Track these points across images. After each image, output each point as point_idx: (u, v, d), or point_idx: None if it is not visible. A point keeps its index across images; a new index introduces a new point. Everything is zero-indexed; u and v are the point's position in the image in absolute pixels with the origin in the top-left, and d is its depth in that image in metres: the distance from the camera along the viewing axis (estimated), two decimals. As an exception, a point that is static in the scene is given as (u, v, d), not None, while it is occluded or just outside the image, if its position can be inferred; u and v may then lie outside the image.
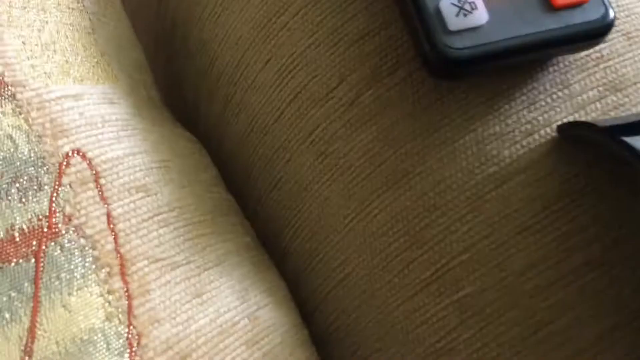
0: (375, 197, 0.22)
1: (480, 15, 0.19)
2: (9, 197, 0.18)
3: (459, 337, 0.20)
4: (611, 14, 0.20)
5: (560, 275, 0.19)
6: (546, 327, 0.19)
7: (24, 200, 0.18)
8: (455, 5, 0.19)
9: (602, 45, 0.21)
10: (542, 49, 0.20)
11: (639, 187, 0.18)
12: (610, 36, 0.22)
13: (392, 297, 0.21)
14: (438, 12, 0.19)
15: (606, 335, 0.19)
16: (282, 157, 0.24)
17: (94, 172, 0.20)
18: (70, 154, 0.20)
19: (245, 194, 0.26)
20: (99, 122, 0.21)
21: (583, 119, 0.21)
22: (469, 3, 0.19)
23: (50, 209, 0.19)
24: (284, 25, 0.24)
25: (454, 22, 0.19)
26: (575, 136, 0.20)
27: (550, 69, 0.21)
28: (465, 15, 0.19)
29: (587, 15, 0.20)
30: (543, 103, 0.21)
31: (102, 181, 0.20)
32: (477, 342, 0.20)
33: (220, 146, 0.27)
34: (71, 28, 0.24)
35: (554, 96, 0.21)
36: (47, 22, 0.23)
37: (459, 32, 0.19)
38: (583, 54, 0.21)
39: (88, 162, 0.20)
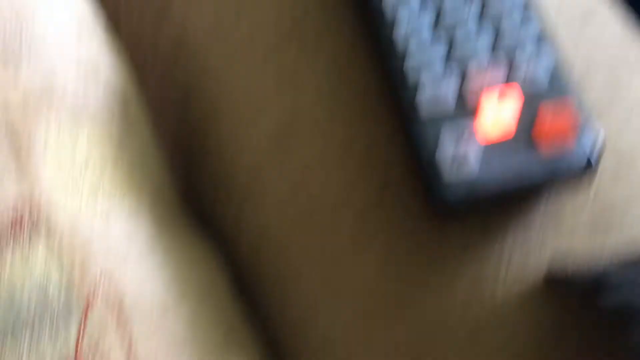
0: (379, 325, 0.23)
1: (473, 166, 0.20)
2: (40, 332, 0.20)
3: None
4: (594, 157, 0.21)
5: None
6: None
7: (52, 335, 0.20)
8: (450, 157, 0.21)
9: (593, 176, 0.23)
10: (532, 191, 0.21)
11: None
12: (600, 165, 0.23)
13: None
14: (434, 161, 0.21)
15: None
16: (292, 275, 0.25)
17: (119, 296, 0.22)
18: (97, 279, 0.22)
19: (256, 303, 0.27)
20: (123, 245, 0.23)
21: (576, 250, 0.22)
22: (463, 155, 0.21)
23: (77, 345, 0.21)
24: (297, 139, 0.25)
25: (449, 170, 0.20)
26: (558, 283, 0.21)
27: (545, 202, 0.22)
28: (459, 166, 0.20)
29: (572, 159, 0.21)
30: (536, 240, 0.22)
31: (127, 303, 0.22)
32: None
33: (234, 247, 0.28)
34: (102, 141, 0.26)
35: (546, 232, 0.22)
36: (78, 136, 0.25)
37: (454, 179, 0.20)
38: (576, 184, 0.22)
39: (114, 286, 0.22)
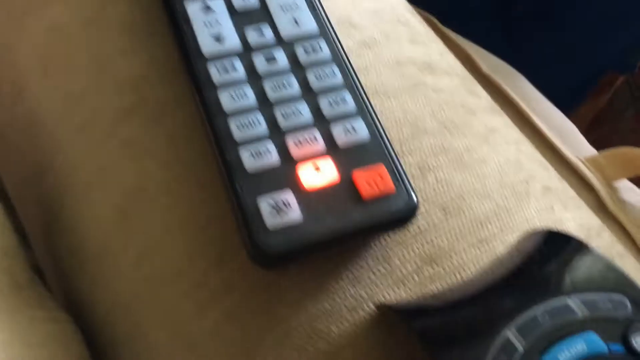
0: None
1: (295, 213, 0.21)
2: None
3: None
4: (415, 200, 0.22)
5: None
6: None
7: None
8: (271, 204, 0.22)
9: (419, 219, 0.24)
10: (353, 238, 0.22)
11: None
12: (427, 209, 0.25)
13: None
14: (257, 210, 0.22)
15: None
16: (141, 333, 0.25)
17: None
18: None
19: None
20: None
21: (402, 292, 0.23)
22: (284, 202, 0.22)
23: None
24: (141, 211, 0.26)
25: (271, 220, 0.21)
26: (391, 314, 0.22)
27: (373, 245, 0.24)
28: (280, 213, 0.21)
29: (393, 204, 0.22)
30: (367, 279, 0.23)
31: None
32: None
33: (91, 318, 0.28)
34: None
35: (376, 272, 0.23)
36: None
37: (276, 228, 0.21)
38: (402, 229, 0.24)
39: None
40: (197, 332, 0.24)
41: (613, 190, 0.45)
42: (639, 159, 0.45)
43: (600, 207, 0.45)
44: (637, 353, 0.17)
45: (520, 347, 0.18)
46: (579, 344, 0.18)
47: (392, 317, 0.22)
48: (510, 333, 0.18)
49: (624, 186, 0.46)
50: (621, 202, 0.45)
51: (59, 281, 0.30)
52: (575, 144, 0.49)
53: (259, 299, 0.23)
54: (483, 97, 0.30)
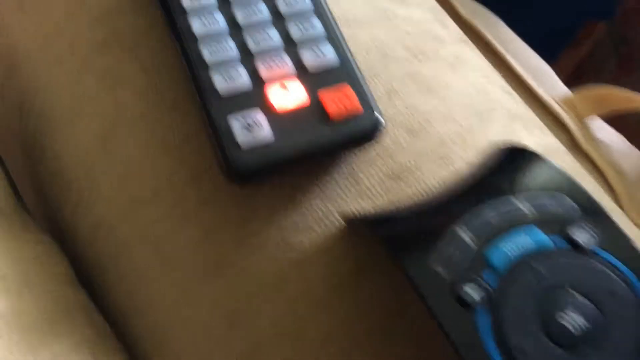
0: (200, 286, 0.25)
1: (266, 132, 0.23)
2: None
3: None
4: (380, 119, 0.24)
5: (348, 343, 0.23)
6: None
7: None
8: (243, 124, 0.23)
9: (384, 139, 0.25)
10: (321, 155, 0.23)
11: (400, 268, 0.21)
12: (393, 130, 0.26)
13: (218, 372, 0.24)
14: (230, 130, 0.23)
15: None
16: (125, 253, 0.27)
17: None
18: None
19: (99, 286, 0.29)
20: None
21: (367, 204, 0.24)
22: (255, 122, 0.23)
23: None
24: (119, 136, 0.27)
25: (243, 138, 0.23)
26: (357, 224, 0.23)
27: (341, 163, 0.25)
28: (251, 132, 0.23)
29: (358, 122, 0.23)
30: (334, 194, 0.25)
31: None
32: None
33: (76, 242, 0.30)
34: None
35: (343, 187, 0.25)
36: None
37: (248, 146, 0.23)
38: (369, 147, 0.25)
39: None
40: (177, 248, 0.25)
41: (586, 129, 0.47)
42: (610, 97, 0.46)
43: (573, 145, 0.47)
44: (576, 245, 0.19)
45: (467, 239, 0.19)
46: (522, 237, 0.19)
47: (357, 226, 0.23)
48: (458, 228, 0.20)
49: (597, 125, 0.48)
50: (593, 140, 0.46)
51: (43, 207, 0.32)
52: (550, 84, 0.50)
53: (233, 214, 0.25)
54: (452, 29, 0.31)
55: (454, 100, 0.27)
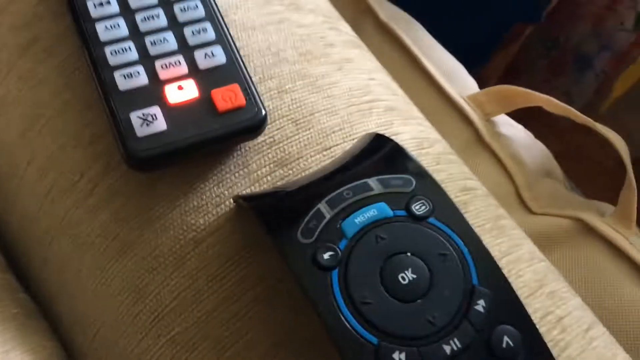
0: (111, 265, 0.28)
1: (160, 124, 0.26)
2: None
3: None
4: (263, 112, 0.27)
5: (238, 310, 0.26)
6: (229, 350, 0.25)
7: None
8: (140, 117, 0.26)
9: (274, 131, 0.29)
10: (212, 145, 0.27)
11: (271, 239, 0.24)
12: (281, 123, 0.29)
13: (128, 343, 0.27)
14: (129, 122, 0.26)
15: (270, 351, 0.25)
16: (46, 239, 0.30)
17: None
18: None
19: (27, 271, 0.31)
20: None
21: (257, 190, 0.27)
22: (151, 115, 0.26)
23: None
24: (39, 133, 0.30)
25: (140, 130, 0.26)
26: (240, 202, 0.27)
27: (235, 154, 0.28)
28: (148, 125, 0.26)
29: (244, 115, 0.27)
30: (228, 180, 0.28)
31: None
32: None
33: (7, 232, 0.32)
34: None
35: (237, 174, 0.28)
36: None
37: (145, 137, 0.26)
38: (260, 139, 0.28)
39: None
40: (91, 233, 0.28)
41: (491, 124, 0.51)
42: (514, 96, 0.50)
43: (477, 139, 0.51)
44: (415, 216, 0.23)
45: (327, 214, 0.23)
46: (371, 211, 0.23)
47: (241, 205, 0.26)
48: (321, 205, 0.23)
49: (502, 121, 0.52)
50: (497, 134, 0.51)
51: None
52: (461, 84, 0.54)
53: (139, 201, 0.28)
54: (345, 33, 0.34)
55: (338, 96, 0.30)
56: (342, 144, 0.29)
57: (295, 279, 0.22)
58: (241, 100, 0.27)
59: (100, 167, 0.28)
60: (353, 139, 0.29)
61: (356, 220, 0.23)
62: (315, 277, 0.22)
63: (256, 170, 0.28)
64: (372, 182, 0.24)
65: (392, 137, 0.28)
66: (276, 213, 0.24)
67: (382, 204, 0.23)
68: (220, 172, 0.28)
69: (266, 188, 0.27)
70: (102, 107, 0.27)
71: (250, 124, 0.27)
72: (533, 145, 0.52)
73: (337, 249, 0.22)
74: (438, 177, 0.25)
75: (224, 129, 0.26)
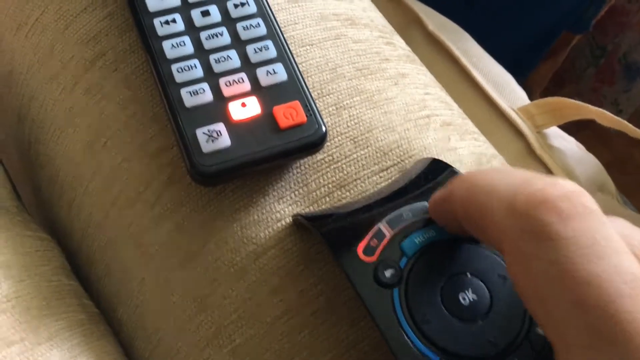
0: (175, 275, 0.28)
1: (224, 140, 0.27)
2: None
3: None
4: (323, 129, 0.27)
5: (297, 324, 0.26)
6: (289, 364, 0.26)
7: None
8: (206, 134, 0.27)
9: (332, 149, 0.29)
10: (274, 161, 0.27)
11: (334, 257, 0.25)
12: (340, 141, 0.29)
13: (190, 352, 0.28)
14: (195, 138, 0.27)
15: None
16: (111, 248, 0.31)
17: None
18: None
19: (89, 278, 0.32)
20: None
21: (318, 210, 0.28)
22: (216, 131, 0.27)
23: None
24: (104, 145, 0.31)
25: (206, 146, 0.26)
26: (302, 223, 0.27)
27: (295, 170, 0.29)
28: (213, 141, 0.26)
29: (305, 132, 0.27)
30: (288, 198, 0.28)
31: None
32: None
33: (70, 240, 0.33)
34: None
35: (296, 192, 0.28)
36: None
37: (210, 153, 0.26)
38: (319, 156, 0.29)
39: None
40: (155, 242, 0.29)
41: (542, 137, 0.51)
42: (566, 108, 0.50)
43: (529, 152, 0.50)
44: (472, 239, 0.23)
45: (387, 233, 0.23)
46: (430, 232, 0.23)
47: (302, 224, 0.27)
48: (381, 225, 0.23)
49: (554, 133, 0.51)
50: (548, 147, 0.50)
51: (40, 209, 0.36)
52: (511, 95, 0.53)
53: (202, 213, 0.29)
54: (400, 48, 0.34)
55: (395, 112, 0.31)
56: (400, 162, 0.29)
57: (358, 296, 0.23)
58: (302, 117, 0.27)
59: (164, 178, 0.29)
60: (411, 156, 0.29)
61: (416, 240, 0.23)
62: (378, 295, 0.22)
63: (315, 189, 0.29)
64: None
65: (450, 151, 0.28)
66: (338, 232, 0.25)
67: (440, 227, 0.23)
68: (281, 188, 0.28)
69: (326, 208, 0.28)
70: (169, 122, 0.28)
71: (311, 140, 0.27)
72: (585, 158, 0.52)
73: (398, 267, 0.23)
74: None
75: (286, 145, 0.27)
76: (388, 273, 0.23)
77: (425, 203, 0.24)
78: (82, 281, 0.33)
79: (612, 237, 0.18)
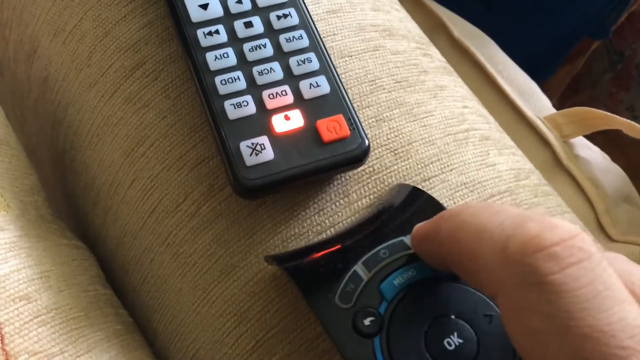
0: (213, 287, 0.28)
1: (268, 153, 0.26)
2: None
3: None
4: (366, 143, 0.27)
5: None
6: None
7: None
8: (249, 147, 0.26)
9: (373, 161, 0.29)
10: (317, 175, 0.27)
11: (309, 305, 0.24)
12: (380, 153, 0.29)
13: (229, 365, 0.28)
14: (238, 151, 0.26)
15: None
16: (148, 257, 0.31)
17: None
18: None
19: (124, 287, 0.32)
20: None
21: (289, 249, 0.28)
22: (260, 144, 0.26)
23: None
24: (143, 154, 0.31)
25: (249, 159, 0.26)
26: (273, 264, 0.27)
27: (335, 182, 0.29)
28: (256, 154, 0.26)
29: (348, 146, 0.27)
30: (329, 209, 0.28)
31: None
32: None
33: (104, 247, 0.33)
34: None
35: (337, 203, 0.28)
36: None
37: (254, 166, 0.26)
38: (360, 168, 0.29)
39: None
40: (193, 254, 0.29)
41: (568, 146, 0.50)
42: (593, 118, 0.50)
43: (555, 161, 0.50)
44: (455, 277, 0.22)
45: (364, 277, 0.23)
46: (410, 271, 0.22)
47: (276, 266, 0.26)
48: (357, 267, 0.23)
49: (580, 143, 0.51)
50: (575, 157, 0.50)
51: (74, 217, 0.35)
52: (537, 104, 0.53)
53: (242, 225, 0.28)
54: (436, 59, 0.34)
55: (434, 125, 0.30)
56: (440, 174, 0.29)
57: (336, 346, 0.22)
58: (345, 131, 0.27)
59: (204, 189, 0.29)
60: (451, 170, 0.29)
61: (395, 282, 0.22)
62: (358, 345, 0.22)
63: (356, 200, 0.28)
64: (408, 239, 0.23)
65: (490, 167, 0.28)
66: (312, 277, 0.24)
67: (420, 264, 0.23)
68: (321, 200, 0.28)
69: (298, 247, 0.27)
70: (210, 133, 0.28)
71: (354, 154, 0.27)
72: (611, 168, 0.51)
73: (378, 313, 0.22)
74: (537, 211, 0.25)
75: (329, 159, 0.27)
76: (367, 321, 0.22)
77: (404, 238, 0.23)
78: (115, 290, 0.33)
79: (614, 285, 0.17)
